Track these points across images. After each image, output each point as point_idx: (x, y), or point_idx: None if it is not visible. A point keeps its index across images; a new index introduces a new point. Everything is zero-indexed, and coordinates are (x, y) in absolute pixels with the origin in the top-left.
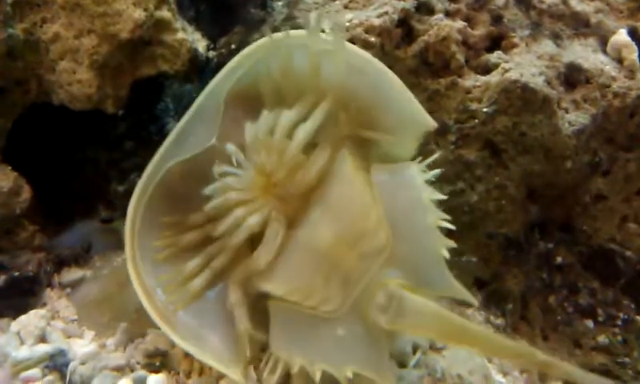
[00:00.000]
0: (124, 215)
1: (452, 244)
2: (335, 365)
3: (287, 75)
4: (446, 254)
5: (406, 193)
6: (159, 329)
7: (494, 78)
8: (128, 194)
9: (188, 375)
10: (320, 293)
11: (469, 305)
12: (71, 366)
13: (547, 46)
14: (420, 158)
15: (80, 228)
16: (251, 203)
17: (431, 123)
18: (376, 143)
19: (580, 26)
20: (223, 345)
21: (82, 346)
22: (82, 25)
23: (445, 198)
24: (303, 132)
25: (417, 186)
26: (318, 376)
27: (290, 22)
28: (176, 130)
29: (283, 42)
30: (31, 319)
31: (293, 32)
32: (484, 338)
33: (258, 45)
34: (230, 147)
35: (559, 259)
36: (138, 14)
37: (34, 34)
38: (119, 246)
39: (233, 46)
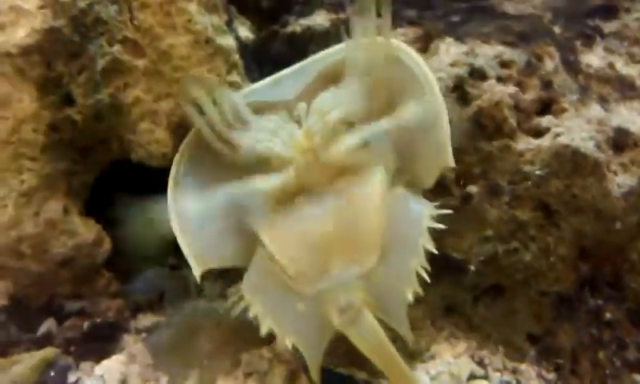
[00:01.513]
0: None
1: (420, 292)
2: (283, 328)
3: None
4: (411, 299)
5: (406, 228)
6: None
7: (545, 141)
8: None
9: None
10: (300, 268)
11: (521, 360)
12: None
13: (595, 110)
14: (437, 203)
15: (150, 275)
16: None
17: (450, 162)
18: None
19: (626, 89)
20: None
21: None
22: (161, 89)
23: (435, 252)
24: (350, 106)
25: (419, 228)
26: (264, 330)
27: None
28: (272, 77)
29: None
30: (113, 364)
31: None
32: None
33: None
34: (301, 105)
35: (608, 315)
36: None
37: (117, 98)
38: (188, 292)
39: None
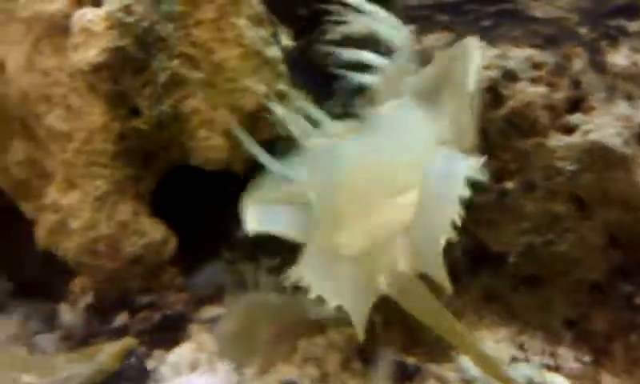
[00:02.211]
0: (243, 257)
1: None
2: (328, 293)
3: None
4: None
5: (445, 179)
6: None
7: (576, 138)
8: (246, 238)
9: None
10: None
11: (559, 344)
12: None
13: (622, 107)
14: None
15: (210, 270)
16: None
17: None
18: None
19: None
20: None
21: (230, 376)
22: (216, 99)
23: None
24: None
25: (458, 179)
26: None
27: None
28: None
29: None
30: (184, 351)
31: None
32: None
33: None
34: None
35: (639, 300)
36: (260, 88)
37: (177, 109)
38: (244, 285)
39: (337, 109)
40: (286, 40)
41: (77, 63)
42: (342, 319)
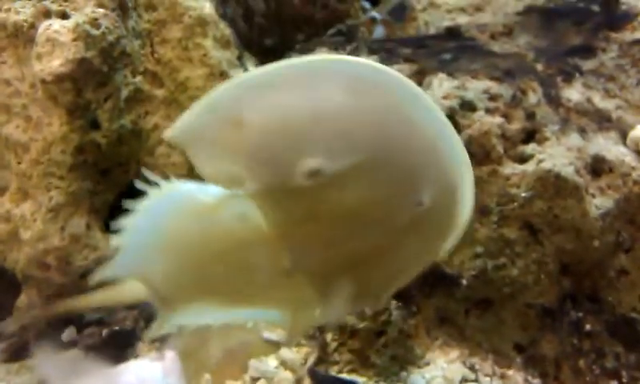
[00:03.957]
0: None
1: None
2: None
3: None
4: None
5: None
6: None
7: (530, 167)
8: None
9: None
10: None
11: (509, 366)
12: None
13: (575, 139)
14: None
15: None
16: None
17: None
18: None
19: (603, 121)
20: None
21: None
22: (177, 116)
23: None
24: None
25: None
26: None
27: None
28: None
29: None
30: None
31: None
32: None
33: None
34: None
35: (588, 327)
36: None
37: (138, 124)
38: None
39: None
40: (253, 67)
41: (39, 73)
42: (296, 341)
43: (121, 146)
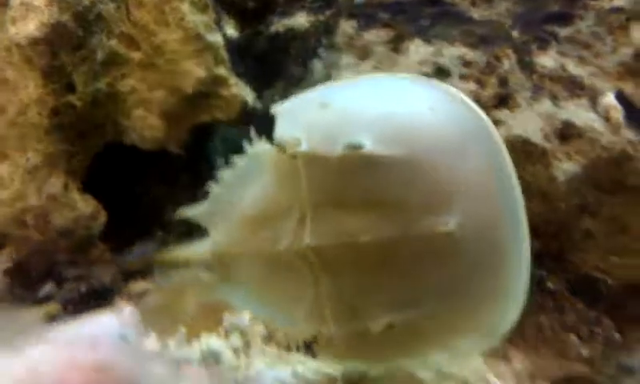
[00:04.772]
0: (177, 238)
1: None
2: None
3: None
4: None
5: None
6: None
7: (500, 132)
8: (181, 220)
9: (236, 370)
10: None
11: None
12: None
13: (546, 105)
14: None
15: (142, 248)
16: None
17: None
18: None
19: (575, 87)
20: None
21: (148, 345)
22: (154, 80)
23: None
24: None
25: None
26: None
27: (326, 79)
28: None
29: None
30: (107, 319)
31: None
32: None
33: None
34: None
35: (550, 285)
36: (200, 72)
37: (114, 87)
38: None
39: (276, 98)
40: (231, 30)
41: (14, 36)
42: None
43: (97, 109)
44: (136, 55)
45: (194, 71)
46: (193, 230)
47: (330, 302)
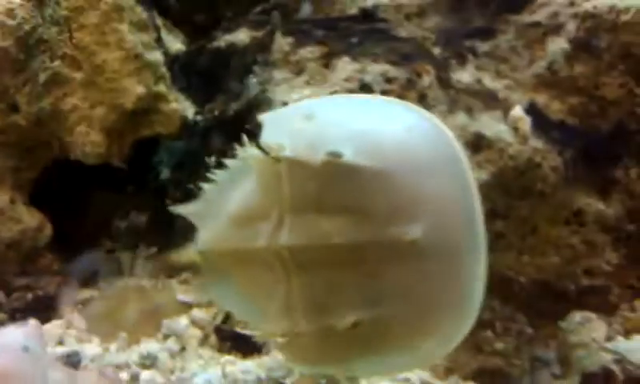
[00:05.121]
0: (124, 247)
1: None
2: None
3: None
4: None
5: None
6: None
7: None
8: (128, 229)
9: (171, 372)
10: None
11: None
12: (82, 363)
13: (461, 118)
14: None
15: (89, 257)
16: None
17: None
18: None
19: (490, 100)
20: None
21: (90, 349)
22: (95, 98)
23: None
24: None
25: None
26: None
27: (262, 94)
28: None
29: None
30: (52, 328)
31: None
32: None
33: None
34: None
35: None
36: (140, 89)
37: (57, 106)
38: (120, 271)
39: (215, 112)
40: (179, 44)
41: None
42: (206, 300)
43: (41, 127)
44: (78, 75)
45: (134, 89)
46: (137, 239)
47: (300, 300)
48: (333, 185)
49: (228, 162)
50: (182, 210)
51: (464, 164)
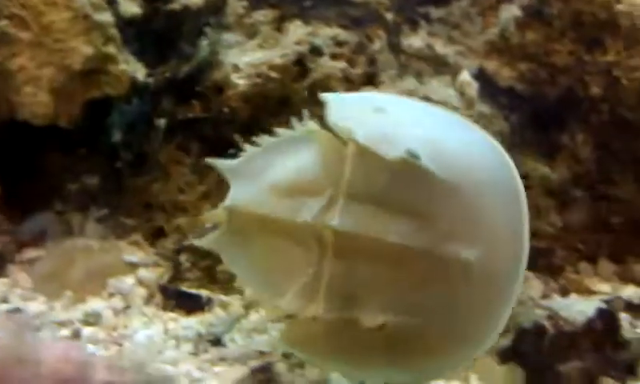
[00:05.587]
0: (76, 209)
1: None
2: None
3: None
4: None
5: None
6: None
7: None
8: (79, 191)
9: (114, 329)
10: None
11: None
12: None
13: (410, 83)
14: None
15: (39, 218)
16: None
17: None
18: None
19: (440, 65)
20: None
21: (35, 307)
22: (43, 58)
23: None
24: None
25: None
26: None
27: (213, 57)
28: None
29: None
30: None
31: None
32: None
33: None
34: None
35: None
36: (88, 50)
37: (4, 66)
38: (70, 233)
39: (167, 74)
40: (134, 7)
41: None
42: (153, 261)
43: None
44: (25, 35)
45: (82, 49)
46: (89, 201)
47: (328, 285)
48: (402, 184)
49: (279, 130)
50: (220, 164)
51: (521, 192)
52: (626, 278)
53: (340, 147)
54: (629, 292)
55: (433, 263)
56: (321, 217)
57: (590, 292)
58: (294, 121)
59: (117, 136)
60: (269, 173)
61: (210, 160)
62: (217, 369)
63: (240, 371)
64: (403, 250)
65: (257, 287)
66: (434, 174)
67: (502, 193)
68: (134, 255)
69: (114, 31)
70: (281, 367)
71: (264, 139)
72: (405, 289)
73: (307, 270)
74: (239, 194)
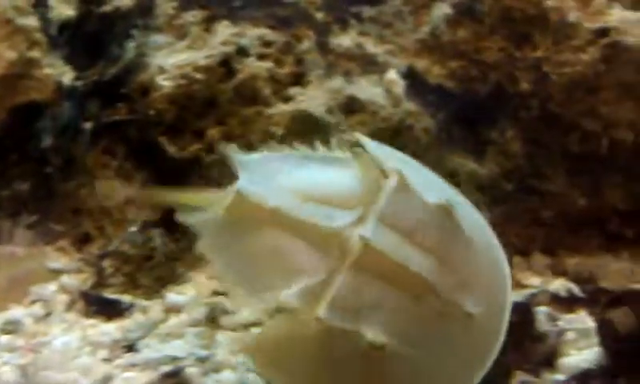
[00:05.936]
0: (6, 215)
1: None
2: None
3: None
4: None
5: None
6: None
7: (289, 107)
8: (11, 198)
9: (33, 336)
10: None
11: None
12: None
13: (337, 82)
14: None
15: None
16: None
17: None
18: None
19: (369, 65)
20: None
21: None
22: None
23: None
24: None
25: None
26: None
27: (139, 59)
28: None
29: None
30: None
31: None
32: None
33: None
34: None
35: None
36: (11, 55)
37: None
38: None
39: (95, 77)
40: (69, 10)
41: None
42: (77, 267)
43: None
44: None
45: (5, 54)
46: (20, 207)
47: (336, 293)
48: (432, 227)
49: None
50: (233, 154)
51: (505, 258)
52: (558, 272)
53: (378, 176)
54: (556, 285)
55: (442, 305)
56: (352, 228)
57: (521, 286)
58: (317, 143)
59: (47, 141)
60: (290, 176)
61: (223, 148)
62: (126, 374)
63: (149, 376)
64: (421, 283)
65: (237, 279)
66: (461, 227)
67: (496, 256)
68: (58, 261)
69: (39, 35)
70: (192, 371)
71: (301, 147)
72: (410, 320)
73: (316, 274)
74: (249, 186)
